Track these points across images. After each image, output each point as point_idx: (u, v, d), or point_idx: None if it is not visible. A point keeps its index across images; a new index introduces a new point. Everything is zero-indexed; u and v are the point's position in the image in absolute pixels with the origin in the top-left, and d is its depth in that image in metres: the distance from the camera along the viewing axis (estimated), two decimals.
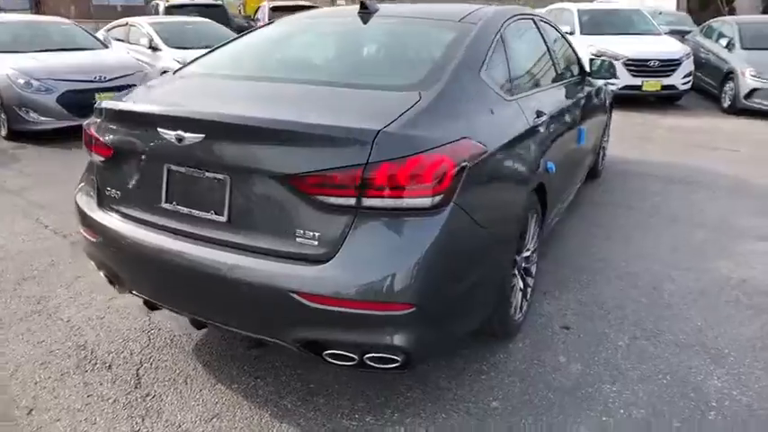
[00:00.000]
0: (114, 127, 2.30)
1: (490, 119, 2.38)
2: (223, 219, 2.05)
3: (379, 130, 1.84)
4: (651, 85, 8.70)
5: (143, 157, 2.23)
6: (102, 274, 2.55)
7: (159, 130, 2.06)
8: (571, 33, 9.09)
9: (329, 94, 2.24)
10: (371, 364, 1.97)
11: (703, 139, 7.35)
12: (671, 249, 3.87)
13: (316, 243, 1.90)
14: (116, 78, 7.14)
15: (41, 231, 4.14)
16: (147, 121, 2.16)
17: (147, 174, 2.24)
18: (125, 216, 2.31)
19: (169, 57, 8.47)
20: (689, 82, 8.91)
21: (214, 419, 2.25)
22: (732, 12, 25.33)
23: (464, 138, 2.06)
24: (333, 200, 1.86)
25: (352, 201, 1.84)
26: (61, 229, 4.15)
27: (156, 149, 2.16)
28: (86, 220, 2.44)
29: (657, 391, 2.41)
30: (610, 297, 3.22)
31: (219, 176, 2.04)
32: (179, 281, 2.16)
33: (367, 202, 1.84)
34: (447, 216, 1.91)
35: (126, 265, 2.34)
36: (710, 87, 9.29)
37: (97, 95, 6.89)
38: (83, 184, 2.59)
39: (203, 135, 1.97)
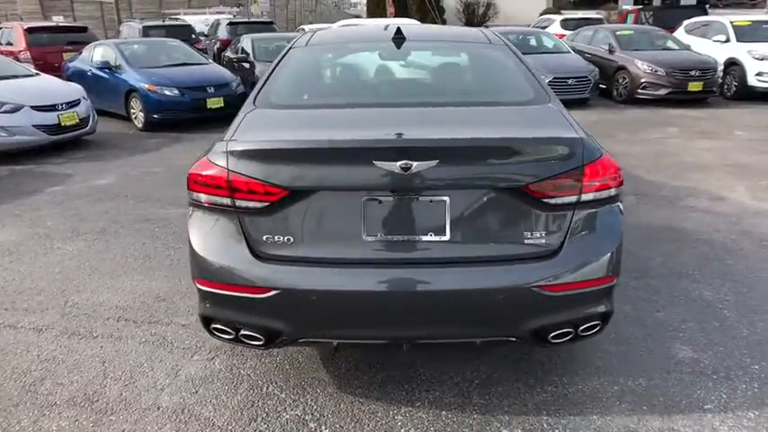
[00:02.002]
0: (285, 166, 2.14)
1: None
2: (445, 238, 2.15)
3: (582, 138, 2.21)
4: None
5: (332, 192, 2.15)
6: (245, 333, 2.29)
7: (376, 162, 2.05)
8: None
9: (489, 112, 2.48)
10: (583, 334, 2.33)
11: None
12: None
13: (543, 241, 2.18)
14: None
15: None
16: (349, 155, 2.10)
17: (337, 210, 2.16)
18: (306, 261, 2.17)
19: None
20: None
21: None
22: (444, 23, 30.32)
23: None
24: (559, 200, 2.17)
25: (573, 198, 2.18)
26: None
27: (353, 182, 2.12)
28: (238, 278, 2.19)
29: (687, 309, 3.27)
30: None
31: (438, 198, 2.13)
32: (393, 310, 2.17)
33: (584, 197, 2.20)
34: (622, 200, 2.38)
35: (312, 312, 2.19)
36: None
37: None
38: (210, 237, 2.27)
39: (437, 161, 2.05)
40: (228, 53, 11.87)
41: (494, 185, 2.15)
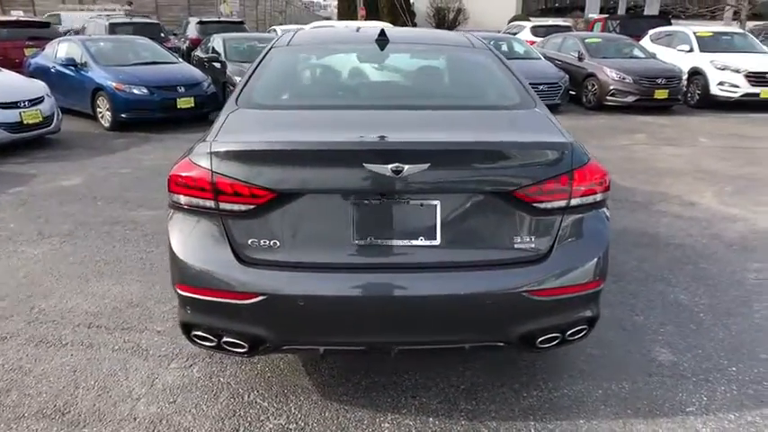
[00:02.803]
0: (272, 168, 2.07)
1: None
2: (436, 242, 2.12)
3: (571, 143, 2.21)
4: None
5: (321, 195, 2.10)
6: (227, 341, 2.21)
7: (366, 164, 2.00)
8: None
9: (477, 116, 2.47)
10: (570, 338, 2.33)
11: None
12: None
13: (533, 245, 2.18)
14: None
15: None
16: (339, 157, 2.06)
17: (325, 213, 2.11)
18: (293, 266, 2.11)
19: None
20: None
21: None
22: (415, 26, 30.51)
23: None
24: (548, 205, 2.16)
25: (563, 203, 2.18)
26: None
27: (343, 184, 2.08)
28: (221, 283, 2.11)
29: (664, 312, 3.33)
30: None
31: (429, 202, 2.10)
32: (382, 315, 2.13)
33: (573, 202, 2.20)
34: (607, 205, 2.40)
35: (299, 319, 2.13)
36: None
37: None
38: (192, 241, 2.18)
39: (428, 164, 2.02)
40: (198, 52, 11.64)
41: (484, 189, 2.13)
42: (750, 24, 15.20)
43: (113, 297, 3.46)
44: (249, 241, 2.13)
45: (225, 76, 9.72)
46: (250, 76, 2.79)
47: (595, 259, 2.25)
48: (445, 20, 32.18)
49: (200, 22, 14.71)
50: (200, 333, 2.26)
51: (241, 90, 2.66)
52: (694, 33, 11.99)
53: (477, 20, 31.30)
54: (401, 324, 2.16)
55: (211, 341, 2.25)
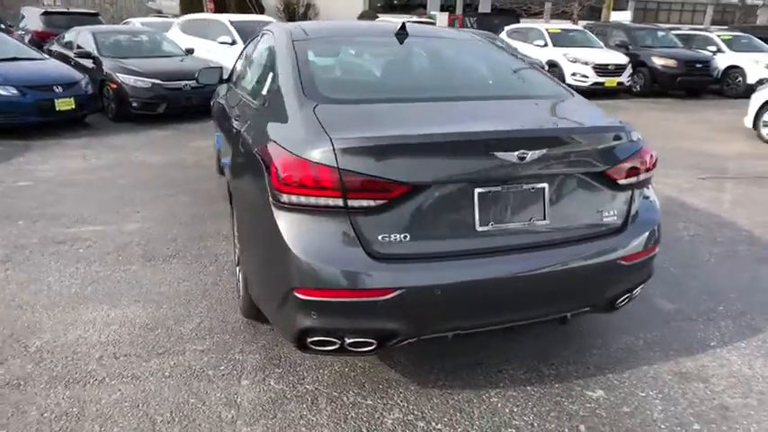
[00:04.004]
0: (404, 161, 2.08)
1: None
2: (545, 222, 2.30)
3: (631, 127, 2.53)
4: None
5: (447, 186, 2.15)
6: (353, 341, 2.18)
7: (496, 152, 2.11)
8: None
9: (548, 105, 2.69)
10: (633, 296, 2.67)
11: None
12: None
13: (615, 218, 2.46)
14: None
15: None
16: (469, 147, 2.13)
17: (451, 203, 2.17)
18: (423, 257, 2.15)
19: None
20: None
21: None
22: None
23: None
24: (626, 181, 2.46)
25: (634, 179, 2.49)
26: None
27: (469, 174, 2.17)
28: (356, 282, 2.09)
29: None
30: None
31: (538, 186, 2.27)
32: (508, 294, 2.27)
33: (640, 177, 2.52)
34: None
35: (434, 308, 2.17)
36: None
37: None
38: (317, 242, 2.09)
39: (545, 150, 2.18)
40: (57, 47, 10.25)
41: (582, 170, 2.36)
42: (582, 23, 17.47)
43: (121, 323, 3.08)
44: (379, 237, 2.11)
45: (102, 73, 8.74)
46: (299, 70, 2.67)
47: (656, 226, 2.60)
48: (295, 14, 31.93)
49: (46, 14, 12.87)
50: (320, 338, 2.19)
51: (301, 85, 2.56)
52: (546, 30, 13.51)
53: (326, 15, 31.54)
54: (523, 301, 2.31)
55: (333, 344, 2.20)
